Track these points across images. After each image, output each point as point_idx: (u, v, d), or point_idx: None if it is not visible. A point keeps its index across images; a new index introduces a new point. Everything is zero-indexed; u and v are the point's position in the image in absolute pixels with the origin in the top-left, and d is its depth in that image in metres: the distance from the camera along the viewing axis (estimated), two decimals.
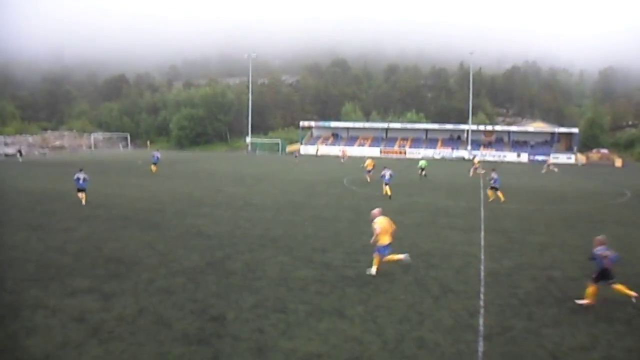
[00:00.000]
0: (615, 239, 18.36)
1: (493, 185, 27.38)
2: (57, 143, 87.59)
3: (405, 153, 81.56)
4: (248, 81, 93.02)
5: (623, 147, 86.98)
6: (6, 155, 62.41)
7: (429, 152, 78.62)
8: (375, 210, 14.05)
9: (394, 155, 77.71)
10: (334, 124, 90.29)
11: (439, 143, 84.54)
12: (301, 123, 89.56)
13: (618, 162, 73.20)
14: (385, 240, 13.25)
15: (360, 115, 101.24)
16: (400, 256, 13.49)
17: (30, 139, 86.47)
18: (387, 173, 28.53)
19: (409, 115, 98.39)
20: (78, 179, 24.94)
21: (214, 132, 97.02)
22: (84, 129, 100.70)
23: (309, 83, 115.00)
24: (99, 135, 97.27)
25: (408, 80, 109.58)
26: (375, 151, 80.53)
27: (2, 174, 40.27)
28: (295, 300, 11.32)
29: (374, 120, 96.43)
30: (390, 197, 27.70)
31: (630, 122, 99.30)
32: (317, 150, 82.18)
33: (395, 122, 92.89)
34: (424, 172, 40.41)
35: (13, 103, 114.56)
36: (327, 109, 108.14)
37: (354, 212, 23.28)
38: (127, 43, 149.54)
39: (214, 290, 11.89)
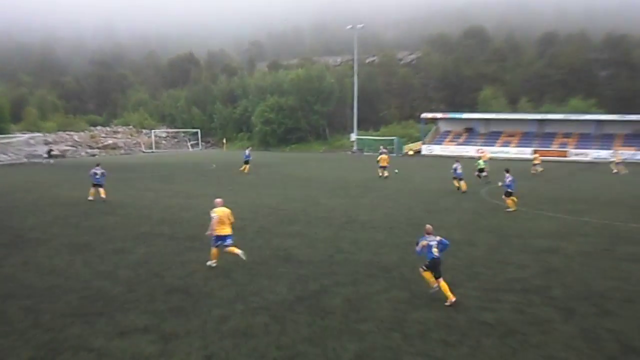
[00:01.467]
0: None
1: None
2: (109, 142, 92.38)
3: (566, 154, 78.50)
4: (353, 60, 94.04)
5: None
6: (47, 156, 67.32)
7: (601, 153, 75.04)
8: (217, 200, 17.95)
9: (551, 158, 75.01)
10: (467, 115, 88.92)
11: (619, 140, 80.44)
12: (423, 115, 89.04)
13: None
14: (222, 230, 17.14)
15: (504, 103, 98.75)
16: (239, 251, 17.04)
17: (76, 136, 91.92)
18: (459, 166, 36.22)
19: (573, 102, 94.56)
20: (95, 174, 31.22)
21: (309, 127, 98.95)
22: (142, 124, 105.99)
23: (433, 61, 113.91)
24: (161, 132, 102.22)
25: (571, 55, 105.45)
26: (524, 152, 78.28)
27: (40, 180, 43.43)
28: (412, 351, 11.09)
29: (523, 111, 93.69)
30: (464, 191, 35.21)
31: None
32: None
33: (553, 112, 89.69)
34: (483, 173, 42.85)
35: (55, 92, 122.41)
36: (458, 95, 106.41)
37: (495, 234, 22.66)
38: (196, 14, 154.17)
39: (305, 334, 11.94)
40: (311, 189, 37.75)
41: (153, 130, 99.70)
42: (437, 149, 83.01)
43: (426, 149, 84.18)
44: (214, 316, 12.95)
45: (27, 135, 79.50)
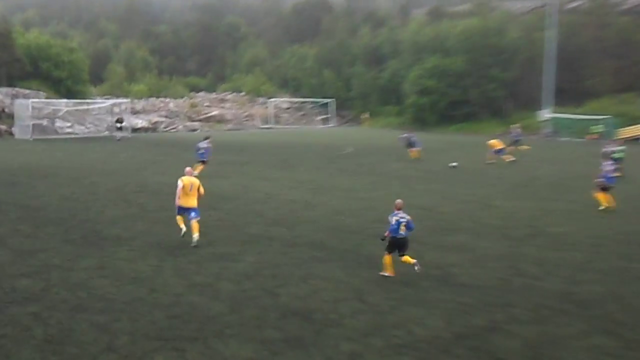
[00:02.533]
0: None
1: None
2: (215, 113, 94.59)
3: None
4: (547, 6, 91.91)
5: None
6: (136, 129, 70.07)
7: None
8: (187, 169, 22.18)
9: None
10: None
11: None
12: None
13: None
14: (186, 202, 21.34)
15: None
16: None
17: (172, 104, 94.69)
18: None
19: None
20: (199, 148, 37.40)
21: (483, 99, 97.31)
22: (258, 91, 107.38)
23: None
24: (282, 102, 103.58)
25: None
26: None
27: (123, 161, 45.26)
28: None
29: None
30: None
31: None
32: None
33: None
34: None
35: (145, 45, 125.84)
36: None
37: None
38: None
39: None
40: (481, 185, 37.47)
41: (272, 100, 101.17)
42: None
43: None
44: (342, 351, 13.06)
45: (110, 102, 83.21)
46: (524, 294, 17.14)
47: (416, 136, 53.72)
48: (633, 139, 79.13)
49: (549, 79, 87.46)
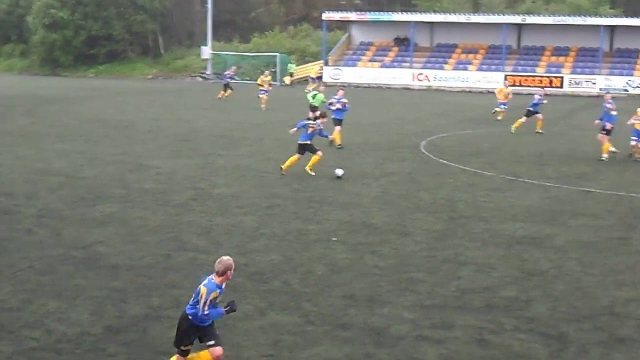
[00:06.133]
0: None
1: None
2: None
3: (560, 83, 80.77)
4: None
5: None
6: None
7: (615, 82, 77.82)
8: None
9: (533, 88, 76.55)
10: (399, 17, 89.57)
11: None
12: (326, 15, 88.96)
13: None
14: None
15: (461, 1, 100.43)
16: None
17: None
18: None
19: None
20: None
21: (129, 35, 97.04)
22: None
23: None
24: None
25: None
26: (492, 78, 79.74)
27: None
28: None
29: (488, 11, 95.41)
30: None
31: None
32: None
33: (539, 12, 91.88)
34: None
35: None
36: None
37: (443, 215, 23.39)
38: None
39: None
40: (133, 142, 37.49)
41: None
42: (350, 75, 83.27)
43: (330, 74, 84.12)
44: None
45: None
46: (187, 271, 17.29)
47: None
48: (304, 79, 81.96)
49: (208, 10, 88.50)
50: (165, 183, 27.44)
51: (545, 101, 44.22)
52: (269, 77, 55.06)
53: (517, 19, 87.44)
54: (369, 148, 36.96)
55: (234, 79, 60.04)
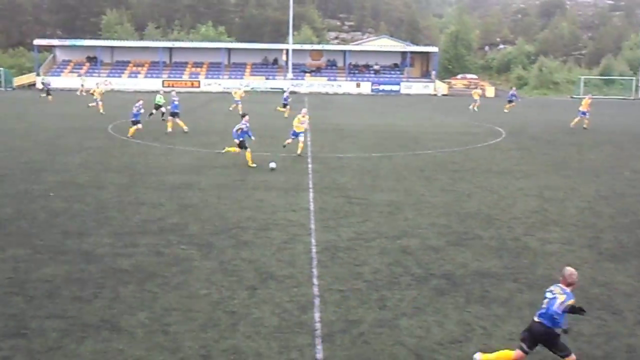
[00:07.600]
0: (487, 192, 20.19)
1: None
2: None
3: (199, 84, 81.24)
4: None
5: (496, 71, 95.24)
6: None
7: (233, 83, 79.18)
8: None
9: (183, 89, 76.66)
10: (89, 42, 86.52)
11: (248, 69, 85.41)
12: (36, 41, 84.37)
13: (490, 91, 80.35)
14: None
15: (131, 30, 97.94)
16: None
17: None
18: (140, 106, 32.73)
19: (203, 30, 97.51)
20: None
21: None
22: None
23: None
24: None
25: None
26: (155, 83, 78.73)
27: None
28: (40, 315, 10.47)
29: (150, 38, 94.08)
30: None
31: (503, 39, 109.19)
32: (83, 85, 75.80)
33: (183, 40, 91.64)
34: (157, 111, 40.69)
35: None
36: (78, 20, 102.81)
37: (126, 173, 23.02)
38: None
39: None
40: None
41: None
42: (58, 81, 79.22)
43: (43, 82, 79.76)
44: None
45: None
46: None
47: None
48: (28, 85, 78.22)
49: None
50: None
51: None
52: None
53: (169, 43, 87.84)
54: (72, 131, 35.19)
55: None
